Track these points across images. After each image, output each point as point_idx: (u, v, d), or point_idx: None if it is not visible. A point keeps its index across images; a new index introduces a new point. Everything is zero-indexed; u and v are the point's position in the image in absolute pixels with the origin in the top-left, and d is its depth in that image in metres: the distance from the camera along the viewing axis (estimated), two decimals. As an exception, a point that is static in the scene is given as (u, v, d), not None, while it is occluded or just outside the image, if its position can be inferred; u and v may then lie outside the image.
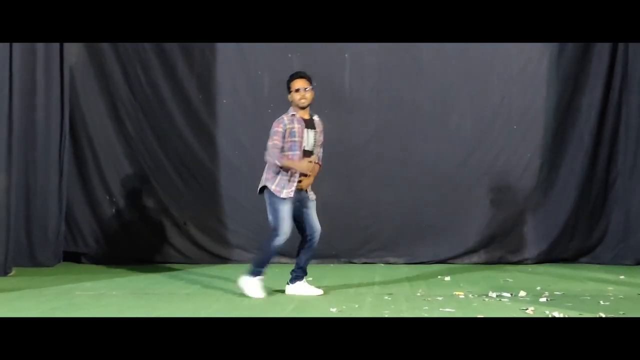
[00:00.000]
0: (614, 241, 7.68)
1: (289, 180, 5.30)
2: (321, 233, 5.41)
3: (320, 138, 5.48)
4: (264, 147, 7.60)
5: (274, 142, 5.32)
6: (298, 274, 5.48)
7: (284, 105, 7.53)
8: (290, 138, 5.31)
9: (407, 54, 7.75)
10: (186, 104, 7.88)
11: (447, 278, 6.53)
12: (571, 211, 7.72)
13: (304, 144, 5.34)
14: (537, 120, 7.80)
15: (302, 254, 5.45)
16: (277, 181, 5.31)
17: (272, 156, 5.32)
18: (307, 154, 5.36)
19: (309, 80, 5.40)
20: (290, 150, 5.32)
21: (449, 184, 7.73)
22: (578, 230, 7.76)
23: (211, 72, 7.92)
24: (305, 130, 5.35)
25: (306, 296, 5.40)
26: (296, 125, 5.33)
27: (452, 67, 7.80)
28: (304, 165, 5.29)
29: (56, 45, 7.33)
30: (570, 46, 7.68)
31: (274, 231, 5.27)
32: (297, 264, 5.48)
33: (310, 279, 5.67)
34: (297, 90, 5.35)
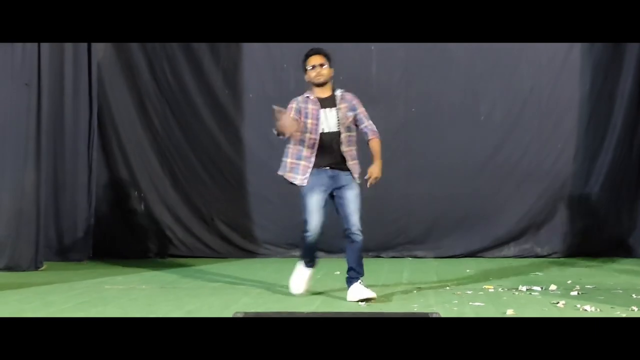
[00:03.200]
0: (649, 234, 7.57)
1: (300, 163, 4.99)
2: (362, 230, 4.93)
3: (349, 114, 4.99)
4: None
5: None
6: (349, 276, 5.00)
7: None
8: (303, 119, 4.96)
9: (434, 46, 7.71)
10: (213, 99, 7.91)
11: (468, 271, 6.51)
12: (603, 203, 7.64)
13: (322, 126, 4.95)
14: (568, 109, 7.72)
15: (347, 252, 5.02)
16: (287, 165, 5.05)
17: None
18: (329, 136, 4.94)
19: (326, 56, 5.04)
20: (305, 132, 4.95)
21: (479, 176, 7.69)
22: (610, 222, 7.66)
23: (237, 67, 7.95)
24: (322, 111, 4.96)
25: (333, 290, 5.34)
26: (310, 107, 4.98)
27: (481, 57, 7.74)
28: (284, 118, 4.82)
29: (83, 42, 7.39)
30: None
31: (304, 226, 4.99)
32: (348, 264, 5.03)
33: (338, 272, 5.66)
34: (313, 67, 5.01)
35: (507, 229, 7.72)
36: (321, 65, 5.01)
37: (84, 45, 7.40)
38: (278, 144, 7.75)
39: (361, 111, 5.06)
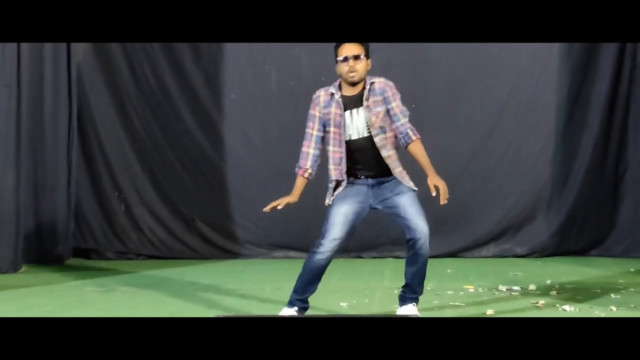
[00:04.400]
0: (624, 233, 7.65)
1: (330, 187, 4.15)
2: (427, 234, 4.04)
3: (378, 110, 4.05)
4: (272, 142, 7.69)
5: (306, 130, 4.13)
6: (403, 293, 4.23)
7: (292, 100, 7.60)
8: (326, 128, 4.09)
9: (415, 47, 7.73)
10: (194, 99, 7.89)
11: (449, 271, 6.54)
12: (581, 203, 7.69)
13: (349, 132, 4.06)
14: (547, 112, 7.78)
15: (406, 265, 4.15)
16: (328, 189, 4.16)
17: (299, 160, 4.16)
18: (359, 144, 4.05)
19: (363, 46, 4.10)
20: (329, 145, 4.09)
21: (459, 177, 7.70)
22: (588, 222, 7.72)
23: (218, 67, 7.93)
24: (347, 113, 4.05)
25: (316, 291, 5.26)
26: (333, 111, 4.06)
27: (461, 59, 7.77)
28: (288, 198, 4.07)
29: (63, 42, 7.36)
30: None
31: (317, 240, 4.08)
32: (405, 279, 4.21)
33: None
34: (345, 60, 4.05)
35: (487, 229, 7.75)
36: (356, 57, 4.05)
37: (64, 46, 7.36)
38: (258, 143, 7.80)
39: (395, 105, 4.11)
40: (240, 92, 7.87)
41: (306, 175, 4.11)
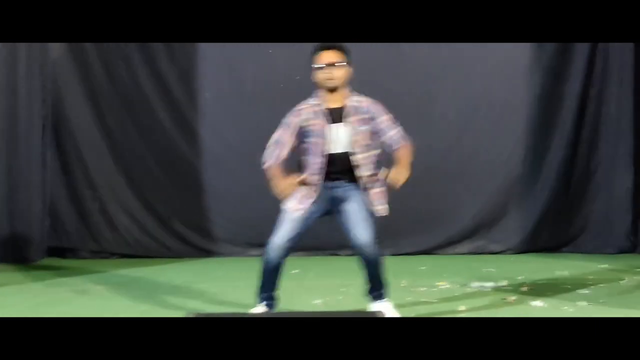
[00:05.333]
0: (595, 230, 7.73)
1: (303, 190, 4.11)
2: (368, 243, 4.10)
3: (362, 129, 4.05)
4: (248, 141, 7.69)
5: (275, 136, 4.13)
6: (369, 292, 4.28)
7: (267, 99, 7.60)
8: (308, 139, 4.04)
9: (390, 47, 7.77)
10: (168, 98, 7.87)
11: (423, 268, 6.58)
12: (553, 201, 7.78)
13: (331, 145, 4.02)
14: (519, 111, 7.84)
15: (362, 268, 4.23)
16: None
17: (264, 155, 4.13)
18: (335, 157, 4.03)
19: (342, 51, 4.06)
20: (306, 154, 4.07)
21: (432, 176, 7.75)
22: (560, 219, 7.80)
23: (193, 66, 7.91)
24: (332, 126, 4.01)
25: (291, 289, 5.28)
26: (316, 122, 4.02)
27: (434, 59, 7.81)
28: (281, 185, 3.98)
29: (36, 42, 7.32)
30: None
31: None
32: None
33: (297, 270, 5.67)
34: (322, 67, 4.02)
35: (461, 226, 7.80)
36: (333, 64, 4.01)
37: (38, 44, 7.32)
38: (234, 142, 7.80)
39: (384, 119, 4.12)
40: (215, 90, 7.87)
41: (278, 166, 4.06)
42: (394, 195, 7.74)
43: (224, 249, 7.76)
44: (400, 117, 7.62)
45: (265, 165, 4.09)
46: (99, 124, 7.81)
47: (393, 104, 7.66)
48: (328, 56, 4.03)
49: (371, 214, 4.13)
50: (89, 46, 7.74)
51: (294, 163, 4.26)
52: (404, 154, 4.13)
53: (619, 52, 7.71)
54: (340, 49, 4.08)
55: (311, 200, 4.06)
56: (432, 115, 7.78)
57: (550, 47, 7.75)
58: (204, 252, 7.75)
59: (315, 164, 4.03)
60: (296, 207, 4.07)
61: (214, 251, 7.77)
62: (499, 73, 7.84)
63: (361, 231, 4.04)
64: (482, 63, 7.86)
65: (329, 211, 4.15)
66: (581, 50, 7.74)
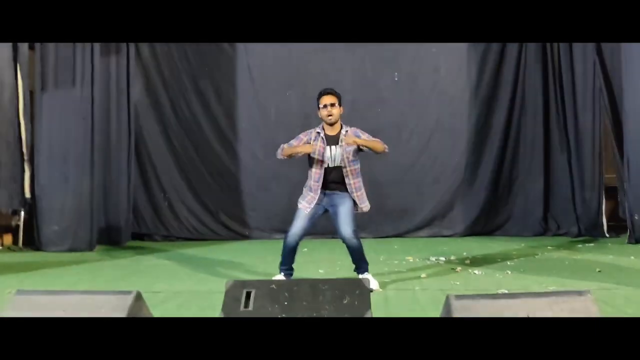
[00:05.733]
0: (517, 220, 7.70)
1: (309, 194, 4.13)
2: (349, 236, 4.06)
3: (348, 149, 4.07)
4: (272, 157, 7.70)
5: (290, 142, 4.17)
6: (356, 268, 4.27)
7: (288, 127, 7.61)
8: (311, 155, 4.11)
9: (372, 88, 7.81)
10: (216, 127, 7.90)
11: (396, 247, 6.58)
12: (487, 199, 7.76)
13: (327, 162, 4.09)
14: (462, 134, 7.84)
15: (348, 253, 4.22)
16: (303, 193, 4.19)
17: (278, 152, 4.16)
18: (331, 170, 4.10)
19: (337, 96, 4.12)
20: (310, 166, 4.16)
21: (402, 181, 7.79)
22: (492, 212, 7.78)
23: (233, 105, 7.95)
24: (328, 148, 4.10)
25: (302, 262, 4.98)
26: (318, 144, 4.10)
27: (403, 97, 7.83)
28: (301, 147, 4.05)
29: (124, 85, 7.31)
30: (485, 78, 7.73)
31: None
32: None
33: (306, 249, 5.62)
34: (324, 107, 4.08)
35: (423, 216, 7.78)
36: (332, 105, 4.08)
37: (125, 88, 7.32)
38: (263, 158, 7.81)
39: (365, 136, 4.15)
40: (249, 121, 7.90)
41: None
42: (377, 196, 7.80)
43: (256, 234, 7.76)
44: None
45: (281, 153, 4.11)
46: (167, 146, 7.84)
47: (374, 130, 7.70)
48: (328, 99, 4.10)
49: (354, 214, 4.13)
50: (160, 90, 7.78)
51: (304, 174, 4.27)
52: (375, 140, 4.17)
53: (533, 86, 7.71)
54: (336, 94, 4.15)
55: (315, 203, 4.11)
56: (400, 139, 7.78)
57: (484, 84, 7.78)
58: (241, 236, 7.75)
59: (316, 173, 4.10)
60: (306, 206, 4.11)
61: (249, 235, 7.77)
62: (449, 107, 7.87)
63: (345, 227, 4.06)
64: (436, 100, 7.88)
65: (326, 211, 4.20)
66: (506, 86, 7.75)
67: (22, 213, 6.71)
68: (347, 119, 7.64)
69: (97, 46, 6.75)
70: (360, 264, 4.23)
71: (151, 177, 7.80)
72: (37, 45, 6.62)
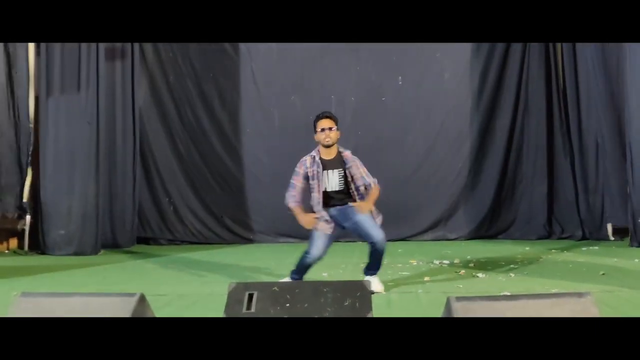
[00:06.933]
0: (521, 223, 7.69)
1: (322, 215, 4.06)
2: (382, 240, 4.00)
3: (353, 172, 4.07)
4: (276, 162, 7.76)
5: (292, 181, 4.10)
6: (367, 269, 4.22)
7: (291, 132, 7.65)
8: (310, 181, 4.07)
9: (376, 94, 7.82)
10: (221, 132, 7.93)
11: (400, 250, 6.56)
12: (491, 203, 7.75)
13: (325, 185, 4.05)
14: (466, 140, 7.85)
15: (369, 255, 4.15)
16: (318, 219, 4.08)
17: (286, 196, 4.10)
18: (330, 195, 4.05)
19: (334, 120, 4.09)
20: (313, 191, 4.08)
21: (407, 185, 7.78)
22: (496, 215, 7.78)
23: (237, 109, 7.98)
24: (325, 172, 4.04)
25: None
26: (315, 169, 4.05)
27: (408, 103, 7.84)
28: (303, 219, 3.99)
29: (129, 91, 7.36)
30: (489, 82, 7.73)
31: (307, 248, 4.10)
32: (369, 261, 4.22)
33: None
34: (322, 130, 4.04)
35: (426, 220, 7.77)
36: (330, 128, 4.04)
37: (130, 93, 7.38)
38: (266, 162, 7.83)
39: (361, 171, 4.10)
40: (253, 126, 7.92)
41: (299, 205, 4.07)
42: (381, 200, 7.80)
43: (260, 238, 7.77)
44: (384, 143, 7.75)
45: (289, 206, 4.08)
46: (173, 150, 7.88)
47: (380, 135, 7.83)
48: (326, 123, 4.07)
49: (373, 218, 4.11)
50: (164, 94, 7.82)
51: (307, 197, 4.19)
52: (373, 193, 4.11)
53: (536, 92, 7.71)
54: (334, 117, 4.12)
55: (332, 223, 4.07)
56: (405, 143, 7.81)
57: (487, 91, 7.77)
58: (246, 240, 7.77)
59: (316, 197, 4.05)
60: (325, 228, 4.05)
61: (253, 239, 7.79)
62: (452, 113, 7.87)
63: (377, 231, 4.01)
64: (440, 106, 7.89)
65: (343, 227, 4.13)
66: (509, 91, 7.75)
67: (28, 217, 6.75)
68: (351, 125, 7.69)
69: (102, 51, 6.80)
70: (377, 266, 4.16)
71: (156, 181, 7.82)
72: (43, 50, 6.68)
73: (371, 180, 4.13)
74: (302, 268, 4.13)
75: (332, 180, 4.06)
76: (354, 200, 4.08)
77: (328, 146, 4.06)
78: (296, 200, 4.06)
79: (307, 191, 4.12)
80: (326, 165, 4.06)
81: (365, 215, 4.02)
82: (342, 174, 4.05)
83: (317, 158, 4.07)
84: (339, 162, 4.07)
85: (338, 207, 4.08)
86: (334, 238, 4.13)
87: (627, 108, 6.61)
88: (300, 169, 4.11)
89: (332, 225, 4.05)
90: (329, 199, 4.06)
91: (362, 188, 4.09)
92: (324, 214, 4.04)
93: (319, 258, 4.06)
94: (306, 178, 4.08)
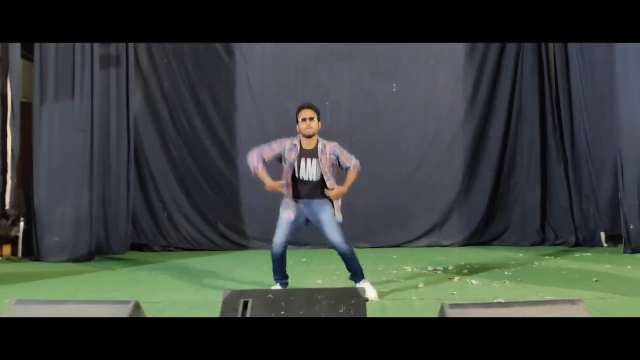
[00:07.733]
0: (515, 229, 7.72)
1: (284, 200, 4.11)
2: (340, 243, 4.04)
3: (339, 158, 4.13)
4: (270, 168, 7.75)
5: (261, 151, 4.13)
6: (352, 276, 4.24)
7: (283, 138, 7.65)
8: (283, 164, 4.12)
9: (370, 100, 7.85)
10: (215, 138, 7.95)
11: (394, 256, 6.59)
12: (484, 209, 7.78)
13: (302, 174, 4.06)
14: (460, 146, 7.89)
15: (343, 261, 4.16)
16: (284, 207, 4.15)
17: (252, 159, 4.09)
18: (305, 183, 4.07)
19: (316, 110, 4.11)
20: (283, 176, 4.11)
21: (401, 191, 7.81)
22: (490, 222, 7.80)
23: (232, 115, 8.00)
24: (303, 159, 4.07)
25: (301, 271, 5.23)
26: (292, 155, 4.08)
27: (402, 110, 7.89)
28: (270, 184, 4.01)
29: (124, 97, 7.37)
30: (482, 89, 7.78)
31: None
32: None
33: (305, 259, 5.64)
34: (304, 120, 4.07)
35: (420, 227, 7.79)
36: (311, 118, 4.07)
37: (124, 100, 7.39)
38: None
39: (343, 155, 4.15)
40: (248, 132, 7.93)
41: (262, 169, 4.10)
42: (375, 206, 7.80)
43: (254, 244, 7.77)
44: (379, 150, 7.78)
45: (258, 169, 4.08)
46: (167, 157, 7.88)
47: (374, 141, 7.86)
48: (307, 113, 4.10)
49: (339, 221, 4.12)
50: (159, 101, 7.83)
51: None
52: (350, 175, 4.15)
53: (529, 97, 7.76)
54: (315, 108, 4.14)
55: (294, 211, 4.10)
56: (398, 149, 7.84)
57: (480, 97, 7.82)
58: (240, 246, 7.77)
59: (287, 183, 4.08)
60: (287, 215, 4.10)
61: (247, 245, 7.79)
62: (446, 119, 7.91)
63: (333, 235, 4.05)
64: (434, 113, 7.93)
65: (308, 220, 4.16)
66: (503, 98, 7.79)
67: (22, 224, 6.72)
68: (346, 131, 7.72)
69: (96, 58, 6.81)
70: (355, 271, 4.19)
71: (150, 187, 7.82)
72: (37, 57, 6.68)
73: (351, 163, 4.15)
74: (275, 264, 4.15)
75: (310, 170, 4.06)
76: (324, 195, 4.06)
77: (309, 136, 4.08)
78: (259, 165, 4.08)
79: (270, 169, 4.13)
80: (304, 153, 4.08)
81: (330, 217, 4.05)
82: (319, 165, 4.05)
83: (297, 146, 4.08)
84: (317, 153, 4.08)
85: (306, 200, 4.09)
86: (299, 228, 4.15)
87: (618, 114, 6.67)
88: (276, 147, 4.12)
89: (295, 213, 4.05)
90: (299, 187, 4.07)
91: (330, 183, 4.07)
92: (289, 200, 4.07)
93: (281, 245, 4.06)
94: (278, 159, 4.11)
